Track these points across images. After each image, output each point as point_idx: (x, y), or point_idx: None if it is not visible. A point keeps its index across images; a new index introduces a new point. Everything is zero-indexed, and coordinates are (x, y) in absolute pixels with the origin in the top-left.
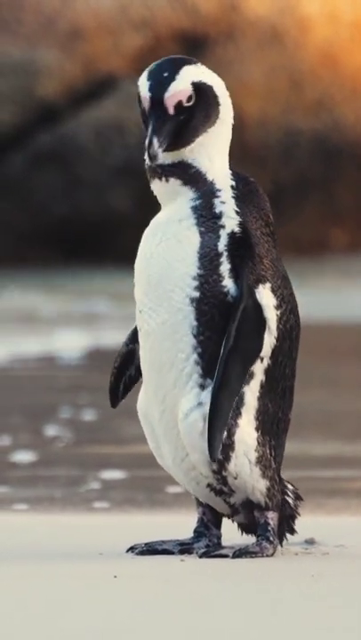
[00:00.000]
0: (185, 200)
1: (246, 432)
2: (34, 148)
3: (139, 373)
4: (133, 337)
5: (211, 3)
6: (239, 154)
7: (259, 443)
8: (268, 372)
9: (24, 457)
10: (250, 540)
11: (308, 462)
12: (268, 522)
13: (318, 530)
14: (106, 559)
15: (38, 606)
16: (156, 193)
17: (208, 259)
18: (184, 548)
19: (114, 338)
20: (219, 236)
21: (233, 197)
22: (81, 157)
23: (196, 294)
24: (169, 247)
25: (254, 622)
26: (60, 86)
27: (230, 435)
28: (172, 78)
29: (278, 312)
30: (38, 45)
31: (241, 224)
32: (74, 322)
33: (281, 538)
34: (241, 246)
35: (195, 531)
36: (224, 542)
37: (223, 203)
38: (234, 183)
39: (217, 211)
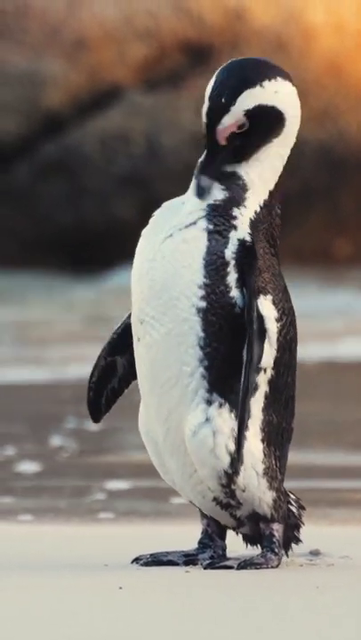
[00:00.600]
0: (202, 209)
1: (253, 444)
2: (39, 158)
3: (122, 385)
4: (112, 350)
5: (216, 12)
6: None
7: (265, 454)
8: (271, 383)
9: (29, 467)
10: (255, 551)
11: (313, 473)
12: (274, 533)
13: (323, 541)
14: (111, 570)
15: (43, 617)
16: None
17: (214, 267)
18: (189, 559)
19: None
20: (227, 242)
21: (254, 212)
22: (86, 167)
23: (203, 304)
24: (175, 248)
25: (259, 634)
26: (65, 96)
27: (241, 447)
28: (226, 109)
29: (279, 324)
30: (43, 55)
31: (250, 235)
32: (79, 330)
33: (287, 548)
34: (248, 255)
35: (199, 542)
36: (229, 553)
37: (242, 215)
38: (263, 202)
39: (231, 219)
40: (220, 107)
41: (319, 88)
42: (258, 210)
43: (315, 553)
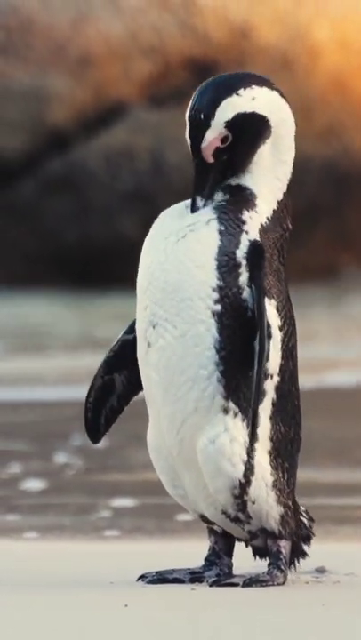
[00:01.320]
0: (212, 211)
1: (261, 455)
2: (44, 175)
3: (122, 403)
4: (109, 367)
5: (221, 29)
6: None
7: (273, 466)
8: (277, 390)
9: (34, 485)
10: (261, 568)
11: (318, 490)
12: (281, 550)
13: (329, 558)
14: (116, 588)
15: (49, 635)
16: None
17: (227, 269)
18: (195, 577)
19: None
20: (238, 242)
21: (265, 218)
22: (91, 183)
23: (218, 307)
24: (188, 248)
25: None
26: (70, 112)
27: (251, 457)
28: (206, 124)
29: (282, 333)
30: (48, 72)
31: (260, 237)
32: (84, 347)
33: (294, 560)
34: (256, 254)
35: (206, 559)
36: (235, 570)
37: (251, 219)
38: (273, 211)
39: (242, 223)
40: (200, 124)
41: (324, 105)
42: (268, 217)
43: (320, 570)
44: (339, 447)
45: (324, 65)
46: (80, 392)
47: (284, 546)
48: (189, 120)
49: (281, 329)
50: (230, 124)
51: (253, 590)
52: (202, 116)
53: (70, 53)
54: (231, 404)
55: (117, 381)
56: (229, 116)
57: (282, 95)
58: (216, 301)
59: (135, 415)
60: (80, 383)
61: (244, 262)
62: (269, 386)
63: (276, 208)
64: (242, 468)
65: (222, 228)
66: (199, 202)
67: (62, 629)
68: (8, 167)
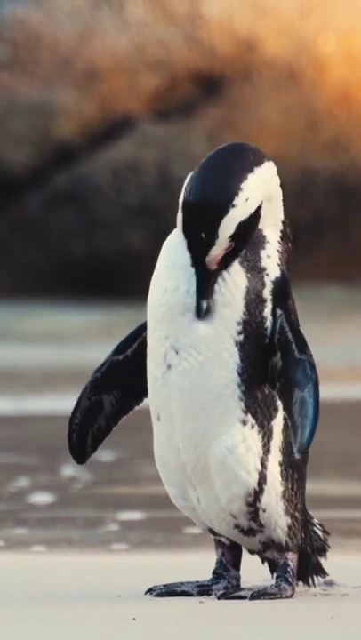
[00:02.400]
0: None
1: (273, 465)
2: (51, 189)
3: (111, 424)
4: (96, 389)
5: (227, 42)
6: None
7: (283, 476)
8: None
9: (42, 498)
10: (268, 581)
11: (326, 503)
12: (288, 563)
13: (337, 571)
14: (124, 601)
15: None
16: None
17: (254, 305)
18: (203, 590)
19: None
20: (264, 284)
21: (277, 250)
22: (97, 197)
23: (241, 337)
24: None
25: None
26: (76, 126)
27: (264, 467)
28: (211, 244)
29: None
30: (55, 86)
31: (283, 272)
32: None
33: (313, 575)
34: (282, 290)
35: (214, 572)
36: (242, 583)
37: (269, 256)
38: (281, 232)
39: (263, 263)
40: (203, 243)
41: (330, 118)
42: (278, 243)
43: (329, 583)
44: (347, 460)
45: (331, 77)
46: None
47: (292, 558)
48: (189, 232)
49: None
50: (233, 236)
51: (261, 603)
52: (204, 236)
53: (77, 67)
54: (249, 417)
55: (106, 402)
56: (232, 230)
57: (265, 158)
58: (239, 333)
59: (142, 428)
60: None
61: (269, 297)
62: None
63: (281, 229)
64: (256, 477)
65: (245, 265)
66: (204, 305)
67: None
68: (15, 181)
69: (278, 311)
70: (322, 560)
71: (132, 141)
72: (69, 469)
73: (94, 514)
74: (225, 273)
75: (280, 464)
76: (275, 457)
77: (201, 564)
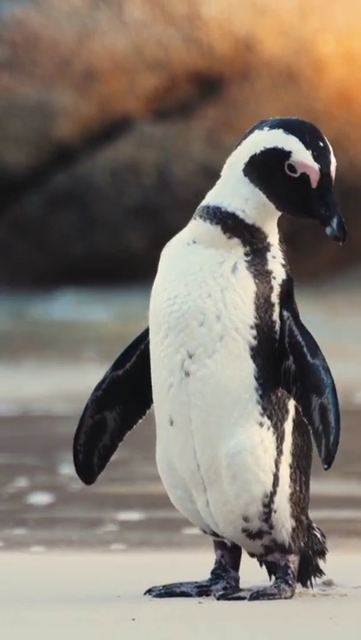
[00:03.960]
0: (237, 252)
1: (284, 466)
2: (50, 189)
3: (115, 441)
4: (98, 407)
5: (226, 43)
6: None
7: (292, 479)
8: (296, 407)
9: (41, 499)
10: (267, 582)
11: (326, 503)
12: (289, 565)
13: (336, 571)
14: (124, 601)
15: None
16: (195, 231)
17: (263, 309)
18: (202, 590)
19: None
20: (272, 287)
21: (281, 251)
22: (96, 198)
23: (255, 342)
24: (226, 286)
25: None
26: (75, 127)
27: (277, 468)
28: (328, 149)
29: None
30: (53, 86)
31: (287, 274)
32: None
33: (310, 577)
34: (288, 292)
35: (212, 572)
36: (241, 584)
37: (274, 257)
38: (278, 237)
39: (269, 265)
40: (325, 149)
41: (329, 118)
42: (279, 240)
43: (328, 583)
44: (346, 459)
45: (330, 78)
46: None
47: (293, 560)
48: (316, 149)
49: None
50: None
51: (261, 604)
52: (322, 143)
53: (75, 68)
54: (265, 419)
55: (109, 419)
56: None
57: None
58: (254, 337)
59: (141, 429)
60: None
61: (277, 301)
62: (291, 404)
63: (277, 231)
64: (272, 478)
65: (257, 281)
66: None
67: None
68: (14, 182)
69: (285, 314)
70: (321, 562)
71: (131, 142)
72: (68, 469)
73: (93, 514)
74: (233, 278)
75: (290, 466)
76: (286, 459)
77: (200, 564)
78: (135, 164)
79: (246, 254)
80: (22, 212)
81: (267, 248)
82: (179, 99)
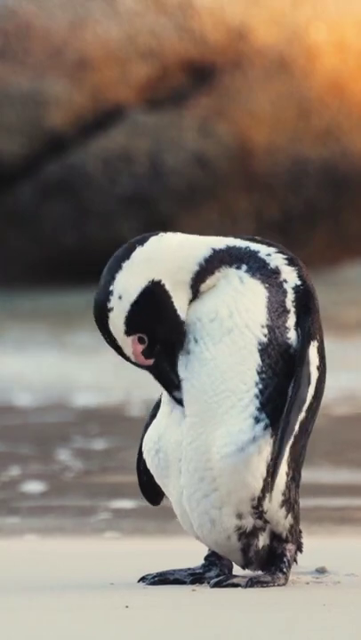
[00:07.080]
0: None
1: (282, 468)
2: (42, 178)
3: None
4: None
5: (218, 32)
6: (247, 183)
7: (288, 475)
8: (301, 424)
9: (34, 487)
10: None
11: (319, 491)
12: (285, 553)
13: (329, 558)
14: (117, 589)
15: (49, 637)
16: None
17: (276, 313)
18: (196, 578)
19: None
20: (285, 292)
21: (277, 252)
22: (89, 187)
23: (265, 340)
24: (238, 300)
25: None
26: (67, 116)
27: (276, 468)
28: (117, 346)
29: (318, 372)
30: (46, 75)
31: (300, 276)
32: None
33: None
34: (305, 298)
35: (205, 559)
36: (235, 571)
37: (269, 255)
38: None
39: (272, 266)
40: (115, 345)
41: (322, 107)
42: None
43: (321, 571)
44: (338, 448)
45: (322, 67)
46: (83, 401)
47: (290, 549)
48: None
49: (318, 369)
50: (130, 330)
51: (255, 591)
52: (109, 339)
53: (68, 57)
54: (264, 416)
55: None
56: (123, 328)
57: (136, 246)
58: (264, 335)
59: (135, 416)
60: (85, 389)
61: (293, 309)
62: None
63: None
64: (262, 482)
65: (267, 285)
66: (177, 395)
67: (63, 631)
68: (6, 171)
69: (303, 324)
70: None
71: (124, 131)
72: (62, 458)
73: (87, 502)
74: (240, 286)
75: (288, 465)
76: (285, 460)
77: (193, 551)
78: (128, 153)
79: (246, 271)
80: (14, 202)
81: (255, 251)
82: (171, 88)
